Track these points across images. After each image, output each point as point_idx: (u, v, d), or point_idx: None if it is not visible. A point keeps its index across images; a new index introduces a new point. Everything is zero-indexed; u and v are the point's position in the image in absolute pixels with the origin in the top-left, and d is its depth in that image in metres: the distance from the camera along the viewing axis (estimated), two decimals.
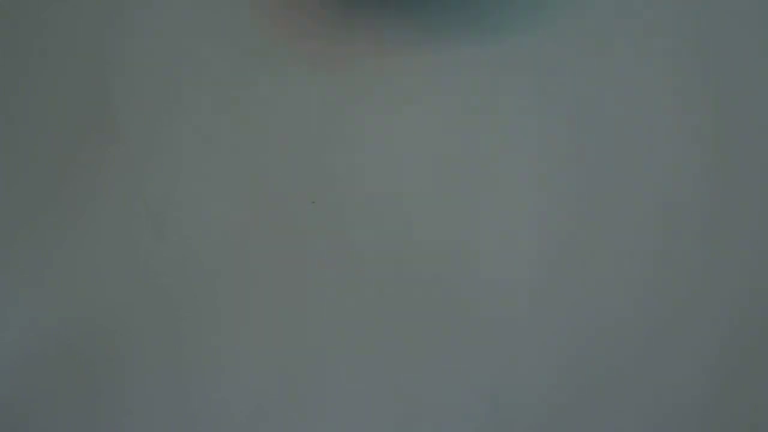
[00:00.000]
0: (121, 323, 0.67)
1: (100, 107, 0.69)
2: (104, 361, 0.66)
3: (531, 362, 0.65)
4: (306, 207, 0.67)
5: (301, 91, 0.69)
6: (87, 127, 0.68)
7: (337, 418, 0.66)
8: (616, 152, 0.67)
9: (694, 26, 0.68)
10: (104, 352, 0.66)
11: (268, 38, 0.71)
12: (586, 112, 0.68)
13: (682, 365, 0.65)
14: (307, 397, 0.66)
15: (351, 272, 0.67)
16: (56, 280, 0.67)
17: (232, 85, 0.69)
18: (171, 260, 0.67)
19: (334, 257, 0.67)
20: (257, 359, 0.67)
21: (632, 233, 0.66)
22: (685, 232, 0.66)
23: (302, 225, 0.67)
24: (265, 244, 0.67)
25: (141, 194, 0.68)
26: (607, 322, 0.65)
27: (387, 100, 0.69)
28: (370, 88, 0.69)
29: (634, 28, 0.68)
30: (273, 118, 0.68)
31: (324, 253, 0.67)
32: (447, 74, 0.69)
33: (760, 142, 0.67)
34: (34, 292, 0.67)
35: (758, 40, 0.68)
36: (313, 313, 0.67)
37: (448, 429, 0.65)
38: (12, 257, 0.67)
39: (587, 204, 0.67)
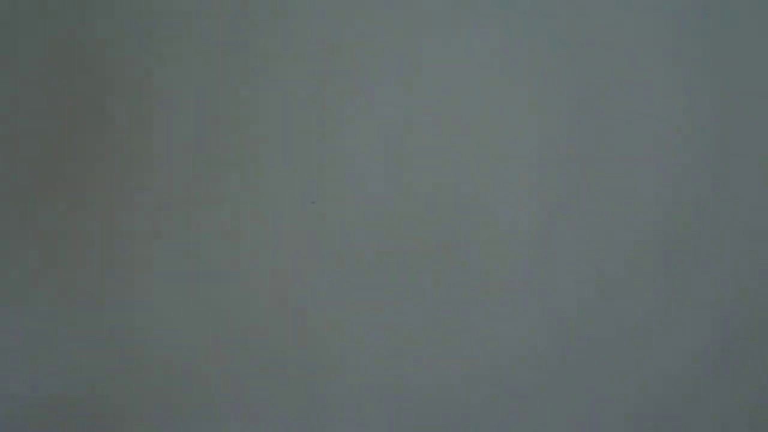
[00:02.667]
0: (121, 322, 0.69)
1: (96, 107, 0.68)
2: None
3: (530, 317, 0.68)
4: (306, 207, 0.69)
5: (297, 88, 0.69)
6: (84, 127, 0.68)
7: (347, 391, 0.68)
8: (616, 117, 0.68)
9: (694, 26, 0.68)
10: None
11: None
12: (587, 84, 0.68)
13: (683, 323, 0.67)
14: (308, 394, 0.69)
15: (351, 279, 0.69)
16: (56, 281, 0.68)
17: (230, 84, 0.69)
18: (171, 259, 0.69)
19: (333, 260, 0.69)
20: (256, 356, 0.69)
21: (631, 188, 0.67)
22: (683, 201, 0.67)
23: (302, 225, 0.69)
24: (264, 242, 0.69)
25: (140, 194, 0.68)
26: (606, 276, 0.67)
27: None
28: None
29: (635, 26, 0.68)
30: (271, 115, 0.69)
31: (323, 256, 0.68)
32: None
33: (758, 139, 0.67)
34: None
35: (757, 41, 0.67)
36: (315, 303, 0.69)
37: (448, 380, 0.68)
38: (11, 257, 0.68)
39: (587, 161, 0.68)
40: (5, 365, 0.68)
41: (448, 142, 0.68)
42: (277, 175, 0.68)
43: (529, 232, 0.67)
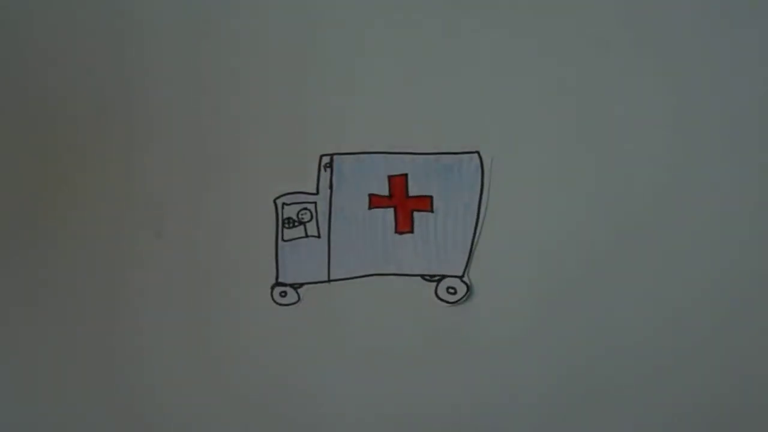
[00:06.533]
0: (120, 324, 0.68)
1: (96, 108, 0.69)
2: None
3: (528, 379, 0.65)
4: None
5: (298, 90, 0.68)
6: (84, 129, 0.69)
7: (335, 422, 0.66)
8: (615, 164, 0.65)
9: (696, 27, 0.65)
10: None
11: None
12: (587, 123, 0.66)
13: (680, 400, 0.64)
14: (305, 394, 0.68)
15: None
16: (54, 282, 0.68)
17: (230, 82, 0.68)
18: (171, 259, 0.68)
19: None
20: (260, 358, 0.68)
21: (631, 253, 0.65)
22: (686, 248, 0.64)
23: None
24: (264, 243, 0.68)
25: (141, 194, 0.68)
26: (604, 341, 0.65)
27: None
28: None
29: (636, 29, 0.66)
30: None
31: None
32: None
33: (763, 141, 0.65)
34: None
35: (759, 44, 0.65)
36: (313, 315, 0.68)
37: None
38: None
39: (589, 217, 0.66)
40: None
41: (448, 139, 0.67)
42: (277, 175, 0.68)
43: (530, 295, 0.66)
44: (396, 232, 0.67)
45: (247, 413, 0.67)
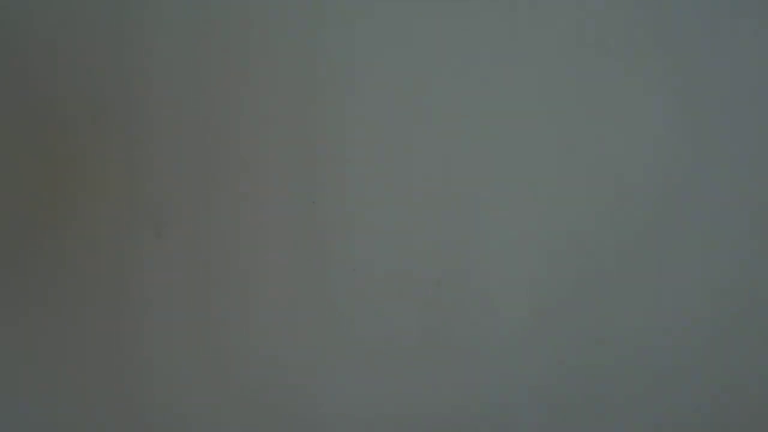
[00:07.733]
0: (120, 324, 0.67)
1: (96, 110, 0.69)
2: None
3: (529, 374, 0.65)
4: (307, 207, 0.67)
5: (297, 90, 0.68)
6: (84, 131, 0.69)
7: (336, 422, 0.65)
8: (618, 164, 0.66)
9: (697, 26, 0.67)
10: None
11: None
12: (583, 119, 0.67)
13: (681, 395, 0.64)
14: (305, 394, 0.67)
15: (351, 278, 0.67)
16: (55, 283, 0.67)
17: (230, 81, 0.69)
18: (171, 259, 0.68)
19: (334, 261, 0.68)
20: (256, 356, 0.67)
21: (633, 255, 0.65)
22: (687, 241, 0.65)
23: (303, 225, 0.67)
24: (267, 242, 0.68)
25: (141, 194, 0.68)
26: (606, 343, 0.65)
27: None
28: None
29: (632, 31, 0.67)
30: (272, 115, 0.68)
31: (324, 257, 0.67)
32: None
33: (763, 142, 0.65)
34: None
35: (758, 46, 0.66)
36: (314, 315, 0.67)
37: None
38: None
39: (589, 214, 0.66)
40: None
41: (449, 140, 0.68)
42: (277, 175, 0.67)
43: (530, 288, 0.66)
44: None
45: (248, 413, 0.66)
